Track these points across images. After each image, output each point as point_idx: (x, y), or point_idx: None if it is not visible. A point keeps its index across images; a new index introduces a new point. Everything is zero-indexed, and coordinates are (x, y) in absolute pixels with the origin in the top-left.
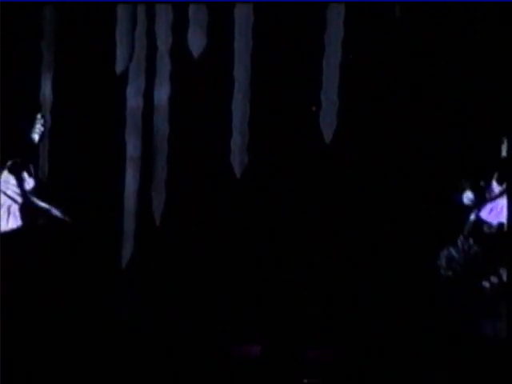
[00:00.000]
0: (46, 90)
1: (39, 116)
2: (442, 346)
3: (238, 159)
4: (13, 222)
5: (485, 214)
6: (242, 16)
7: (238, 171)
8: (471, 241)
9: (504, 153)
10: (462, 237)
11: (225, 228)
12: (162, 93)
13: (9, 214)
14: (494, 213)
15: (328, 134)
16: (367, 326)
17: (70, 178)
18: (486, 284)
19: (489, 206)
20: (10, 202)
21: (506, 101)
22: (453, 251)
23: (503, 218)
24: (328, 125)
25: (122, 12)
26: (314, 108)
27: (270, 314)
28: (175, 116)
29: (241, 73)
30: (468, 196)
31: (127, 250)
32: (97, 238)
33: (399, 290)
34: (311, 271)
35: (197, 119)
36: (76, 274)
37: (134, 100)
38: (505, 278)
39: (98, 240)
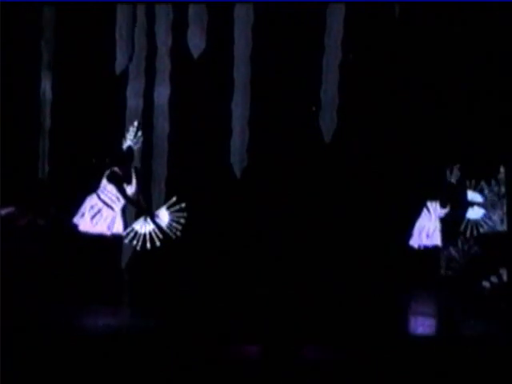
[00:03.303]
0: (46, 89)
1: (135, 123)
2: (441, 347)
3: (237, 159)
4: (101, 225)
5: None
6: (242, 16)
7: (237, 171)
8: (471, 241)
9: (453, 179)
10: (461, 237)
11: (224, 228)
12: (162, 93)
13: (96, 215)
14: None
15: (328, 133)
16: (367, 327)
17: (70, 178)
18: (486, 284)
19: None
20: (102, 205)
21: (506, 101)
22: (453, 251)
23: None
24: (328, 124)
25: (121, 12)
26: (313, 108)
27: (270, 314)
28: (175, 116)
29: (241, 73)
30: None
31: (127, 250)
32: (97, 237)
33: (399, 291)
34: (311, 271)
35: (197, 119)
36: (76, 273)
37: (133, 100)
38: (505, 278)
39: (98, 240)
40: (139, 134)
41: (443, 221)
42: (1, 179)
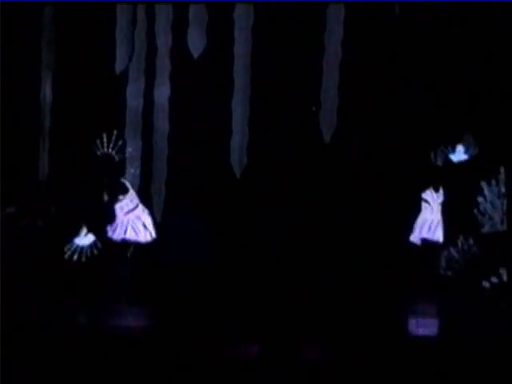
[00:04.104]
0: (46, 90)
1: (115, 132)
2: (441, 347)
3: (237, 159)
4: (130, 233)
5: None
6: (242, 16)
7: (237, 171)
8: (471, 241)
9: (439, 162)
10: (461, 237)
11: (224, 228)
12: (162, 93)
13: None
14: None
15: (327, 133)
16: (366, 327)
17: (70, 178)
18: (486, 284)
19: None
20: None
21: (506, 101)
22: (453, 251)
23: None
24: (328, 125)
25: (121, 12)
26: (313, 108)
27: (270, 314)
28: (175, 116)
29: (241, 73)
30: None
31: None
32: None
33: (399, 291)
34: (310, 271)
35: (197, 119)
36: (76, 272)
37: (133, 100)
38: (505, 278)
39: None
40: (120, 143)
41: (444, 205)
42: (1, 179)
